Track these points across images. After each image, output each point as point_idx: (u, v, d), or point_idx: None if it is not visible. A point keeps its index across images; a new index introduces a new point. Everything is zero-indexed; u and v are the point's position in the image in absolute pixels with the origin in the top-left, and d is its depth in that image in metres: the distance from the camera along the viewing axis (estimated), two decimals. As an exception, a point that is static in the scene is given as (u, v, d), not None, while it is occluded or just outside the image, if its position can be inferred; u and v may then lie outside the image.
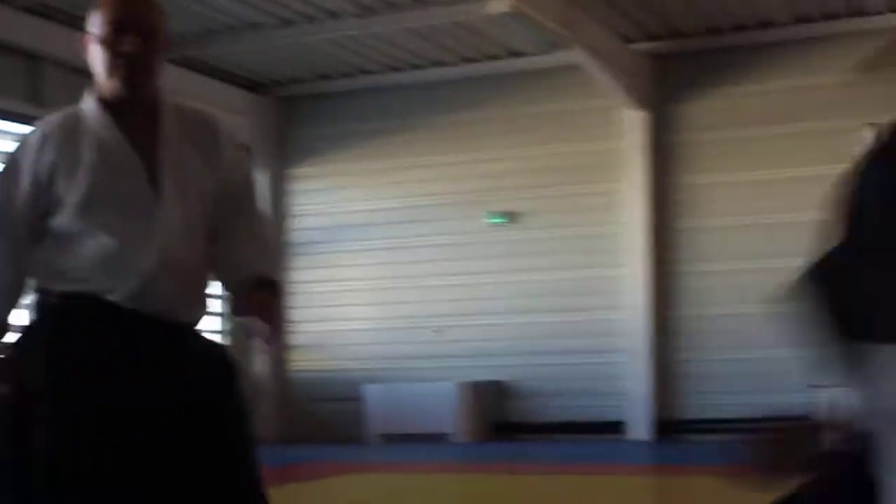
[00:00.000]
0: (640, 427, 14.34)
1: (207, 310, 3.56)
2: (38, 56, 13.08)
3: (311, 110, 16.27)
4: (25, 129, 12.34)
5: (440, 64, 15.41)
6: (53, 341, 3.30)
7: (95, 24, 3.44)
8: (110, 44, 3.39)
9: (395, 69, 15.60)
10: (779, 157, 14.21)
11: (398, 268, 15.59)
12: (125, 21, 3.39)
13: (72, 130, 3.42)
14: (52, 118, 3.52)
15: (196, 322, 3.53)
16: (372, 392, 14.98)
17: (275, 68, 15.55)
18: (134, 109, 3.46)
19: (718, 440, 13.95)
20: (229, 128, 3.67)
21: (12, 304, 3.42)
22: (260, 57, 14.95)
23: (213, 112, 3.73)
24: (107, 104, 3.44)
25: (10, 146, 11.68)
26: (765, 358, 14.04)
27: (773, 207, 14.18)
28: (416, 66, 15.52)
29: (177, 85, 14.62)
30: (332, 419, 15.53)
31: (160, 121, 3.47)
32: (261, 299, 3.44)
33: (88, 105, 3.47)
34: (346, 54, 14.97)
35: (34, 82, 13.14)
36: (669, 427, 14.42)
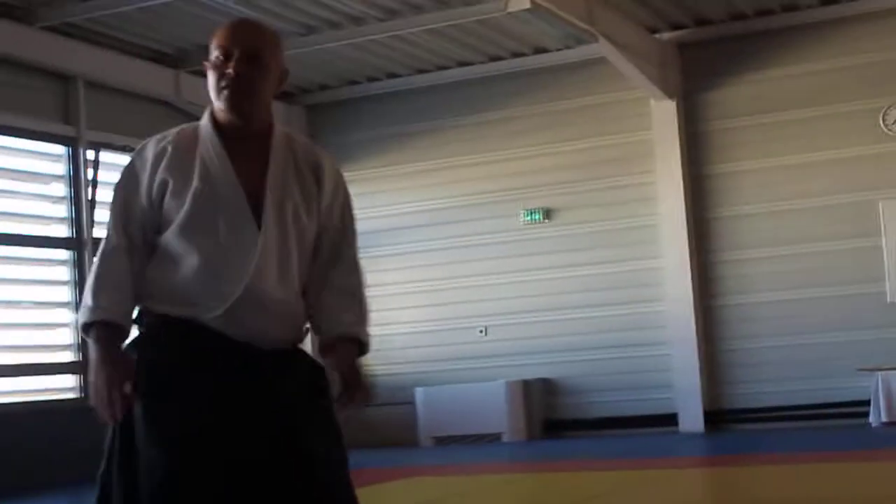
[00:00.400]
0: (691, 419, 14.26)
1: (301, 343, 3.57)
2: (68, 76, 13.16)
3: (339, 116, 16.29)
4: (57, 148, 12.42)
5: (466, 63, 15.40)
6: (149, 365, 3.36)
7: (210, 49, 3.55)
8: (217, 66, 3.50)
9: (422, 71, 15.60)
10: (812, 141, 14.13)
11: (437, 269, 15.59)
12: (232, 45, 3.50)
13: (185, 150, 3.50)
14: (170, 134, 3.58)
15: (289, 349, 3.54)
16: (422, 395, 15.00)
17: (301, 76, 15.56)
18: (245, 135, 3.51)
19: (769, 429, 13.90)
20: (335, 167, 3.66)
21: (131, 314, 3.46)
22: (287, 66, 14.94)
23: (321, 148, 3.68)
24: (220, 128, 3.51)
25: (42, 165, 11.65)
26: (811, 343, 14.01)
27: (808, 191, 14.10)
28: (442, 67, 15.51)
29: (207, 99, 14.74)
30: (383, 423, 15.53)
31: (270, 149, 3.51)
32: (342, 359, 3.50)
33: (205, 125, 3.54)
34: (372, 58, 14.98)
35: (65, 102, 13.22)
36: (719, 417, 14.34)
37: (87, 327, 3.39)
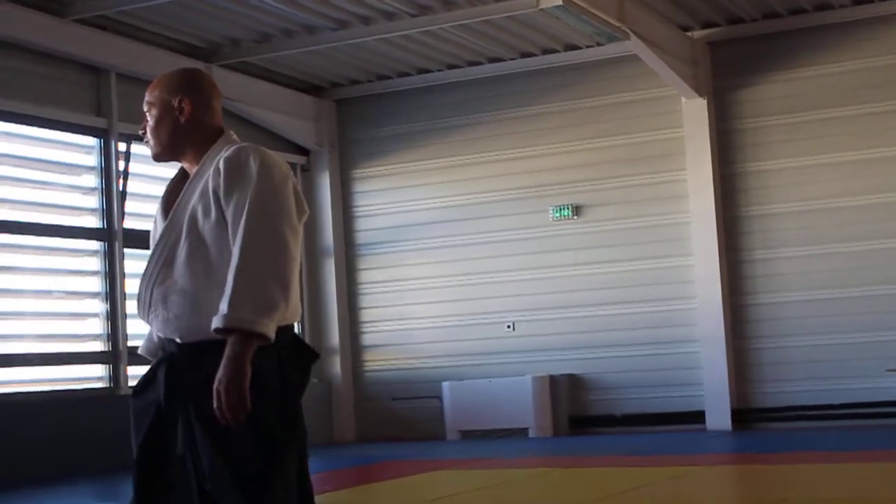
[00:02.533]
0: (718, 417, 14.23)
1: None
2: (100, 68, 13.24)
3: (370, 111, 16.33)
4: (89, 139, 12.53)
5: (497, 59, 15.40)
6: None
7: None
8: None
9: (452, 66, 15.61)
10: (843, 140, 14.08)
11: (465, 265, 15.61)
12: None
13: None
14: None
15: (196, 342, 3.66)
16: (449, 389, 15.03)
17: (333, 71, 15.62)
18: (187, 170, 3.99)
19: (797, 428, 13.86)
20: (231, 160, 3.78)
21: None
22: (317, 60, 15.02)
23: (237, 148, 3.85)
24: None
25: (74, 156, 11.73)
26: (840, 343, 13.96)
27: (839, 190, 14.06)
28: (473, 63, 15.52)
29: (238, 92, 14.81)
30: (409, 417, 15.61)
31: (192, 175, 3.91)
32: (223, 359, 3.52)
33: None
34: (403, 54, 15.00)
35: (97, 94, 13.30)
36: (747, 416, 14.31)
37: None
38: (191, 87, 3.96)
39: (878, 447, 11.34)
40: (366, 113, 16.33)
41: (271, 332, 3.48)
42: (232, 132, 4.06)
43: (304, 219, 3.77)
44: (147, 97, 3.95)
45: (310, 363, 3.76)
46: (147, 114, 3.94)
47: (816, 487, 8.56)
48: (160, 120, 3.91)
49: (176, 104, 3.90)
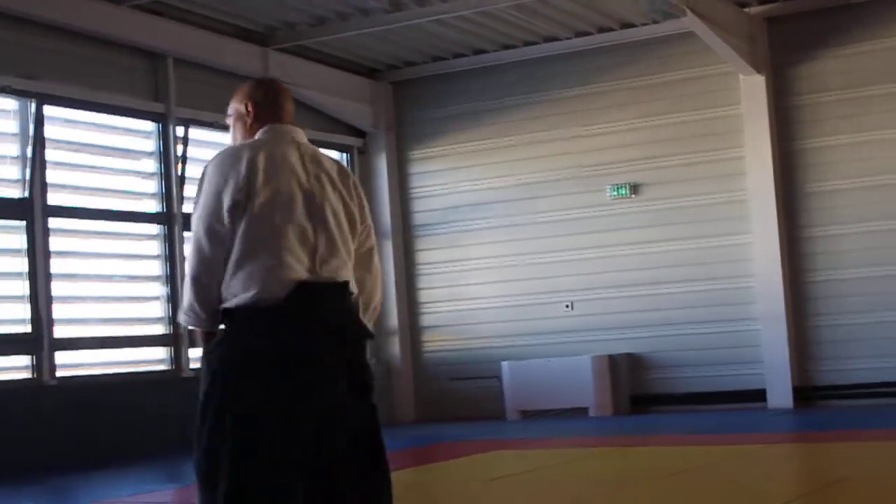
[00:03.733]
0: (780, 395, 14.15)
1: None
2: (158, 54, 13.34)
3: (426, 92, 16.34)
4: (147, 124, 12.68)
5: (553, 39, 15.34)
6: None
7: None
8: None
9: (508, 47, 15.58)
10: (902, 114, 13.93)
11: (523, 244, 15.60)
12: None
13: None
14: None
15: None
16: (508, 369, 15.05)
17: (388, 53, 15.63)
18: None
19: (860, 406, 13.76)
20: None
21: None
22: (372, 42, 15.04)
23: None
24: None
25: (133, 142, 11.85)
26: (903, 319, 13.82)
27: (900, 166, 13.92)
28: (529, 43, 15.47)
29: (294, 76, 14.86)
30: (469, 397, 15.65)
31: None
32: None
33: None
34: (459, 34, 14.98)
35: (155, 79, 13.41)
36: (809, 394, 14.22)
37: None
38: (252, 91, 4.47)
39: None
40: (422, 94, 16.35)
41: (192, 325, 4.09)
42: (263, 130, 4.34)
43: (266, 190, 4.01)
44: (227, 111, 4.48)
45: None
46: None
47: (878, 465, 8.50)
48: (233, 128, 4.45)
49: (236, 108, 4.45)
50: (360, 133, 16.35)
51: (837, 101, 14.24)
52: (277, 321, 3.90)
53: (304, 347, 3.93)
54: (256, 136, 4.26)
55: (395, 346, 16.07)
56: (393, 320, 16.09)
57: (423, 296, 16.27)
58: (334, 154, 16.10)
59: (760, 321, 14.36)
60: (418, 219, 16.33)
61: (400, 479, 8.50)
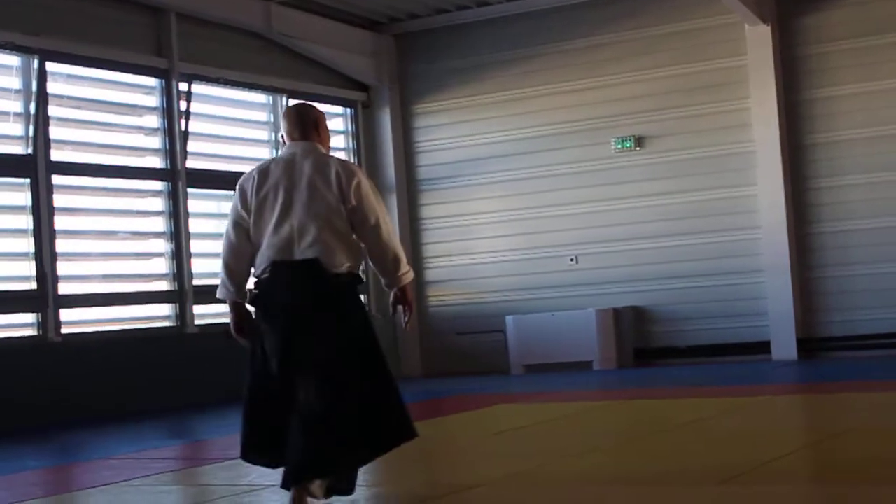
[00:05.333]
0: (784, 347, 14.16)
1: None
2: (160, 9, 13.27)
3: (429, 45, 16.26)
4: (150, 80, 12.60)
5: (557, -10, 15.27)
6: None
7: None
8: None
9: (512, -1, 15.51)
10: (911, 63, 13.86)
11: (527, 198, 15.57)
12: None
13: None
14: None
15: None
16: (513, 323, 15.06)
17: (391, 5, 15.54)
18: None
19: (864, 357, 13.76)
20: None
21: None
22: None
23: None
24: None
25: (136, 98, 11.83)
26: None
27: (907, 115, 13.86)
28: (533, -6, 15.40)
29: (297, 30, 14.79)
30: (474, 352, 15.67)
31: None
32: None
33: None
34: (462, -14, 14.89)
35: (157, 34, 13.34)
36: (813, 345, 14.22)
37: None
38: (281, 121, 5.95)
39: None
40: (425, 47, 16.27)
41: (224, 297, 5.78)
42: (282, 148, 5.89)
43: (254, 199, 5.66)
44: None
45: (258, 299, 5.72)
46: None
47: (883, 416, 8.51)
48: None
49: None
50: (363, 87, 16.28)
51: (843, 51, 14.16)
52: (261, 286, 5.66)
53: (266, 302, 5.63)
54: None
55: (400, 301, 16.04)
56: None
57: (428, 251, 16.26)
58: (338, 108, 16.08)
59: (765, 273, 14.35)
60: (423, 173, 16.30)
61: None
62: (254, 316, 5.69)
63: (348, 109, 16.23)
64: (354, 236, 5.60)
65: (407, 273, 5.65)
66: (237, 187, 5.70)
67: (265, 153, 14.86)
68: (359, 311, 5.69)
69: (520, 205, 15.54)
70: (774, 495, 5.55)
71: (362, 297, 6.02)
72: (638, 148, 15.10)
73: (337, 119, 16.27)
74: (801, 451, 7.10)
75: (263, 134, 15.03)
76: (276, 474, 7.47)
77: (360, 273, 5.68)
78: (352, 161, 16.13)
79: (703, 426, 8.48)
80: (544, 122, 15.54)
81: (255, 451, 5.69)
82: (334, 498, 5.72)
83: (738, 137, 14.59)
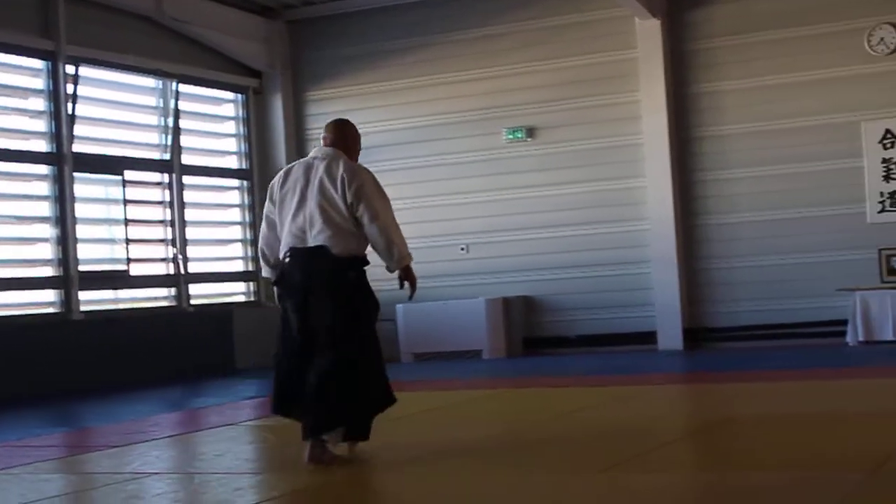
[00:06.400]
0: (670, 337, 14.36)
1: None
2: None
3: (322, 32, 16.19)
4: (36, 62, 12.34)
5: (452, -20, 15.29)
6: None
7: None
8: None
9: (407, -14, 15.50)
10: (796, 61, 14.11)
11: (419, 187, 15.58)
12: None
13: None
14: None
15: None
16: (403, 311, 15.05)
17: (284, -9, 15.46)
18: None
19: (748, 348, 14.02)
20: None
21: None
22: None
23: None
24: None
25: (21, 80, 11.61)
26: (791, 263, 14.10)
27: (790, 111, 14.11)
28: (428, -17, 15.41)
29: (189, 14, 14.63)
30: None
31: None
32: None
33: None
34: (356, -26, 14.85)
35: (45, 16, 13.09)
36: (698, 336, 14.45)
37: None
38: None
39: (825, 365, 11.50)
40: (319, 34, 16.19)
41: (266, 275, 7.03)
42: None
43: (278, 194, 6.78)
44: None
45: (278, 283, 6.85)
46: None
47: (764, 405, 8.68)
48: None
49: None
50: (255, 73, 16.16)
51: (730, 47, 14.39)
52: (282, 267, 6.72)
53: (286, 281, 6.69)
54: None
55: (290, 289, 15.98)
56: (288, 262, 15.98)
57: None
58: (229, 94, 15.96)
59: (652, 264, 14.54)
60: (314, 160, 16.21)
61: (291, 421, 8.47)
62: (277, 294, 6.81)
63: (240, 95, 16.10)
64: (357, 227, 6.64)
65: (402, 258, 6.69)
66: (269, 186, 6.87)
67: (154, 138, 14.69)
68: (360, 287, 6.68)
69: (411, 193, 15.54)
70: (655, 483, 5.63)
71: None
72: (529, 139, 15.20)
73: (228, 105, 16.15)
74: (683, 440, 7.22)
75: (153, 119, 14.84)
76: (160, 461, 7.45)
77: (366, 255, 6.72)
78: (252, 148, 16.05)
79: (588, 415, 8.57)
80: (436, 111, 15.56)
81: (281, 407, 6.76)
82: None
83: (627, 130, 14.75)
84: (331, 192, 6.56)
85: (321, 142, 6.91)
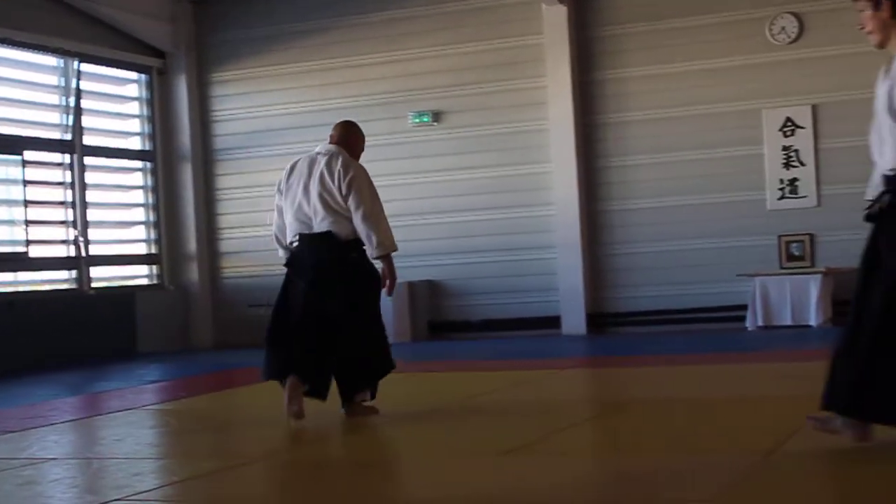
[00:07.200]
0: (574, 322, 14.47)
1: None
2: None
3: (228, 13, 16.04)
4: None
5: (358, -37, 15.22)
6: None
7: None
8: None
9: (313, -31, 15.40)
10: (699, 48, 14.27)
11: (324, 171, 15.50)
12: None
13: None
14: None
15: None
16: (306, 297, 14.98)
17: (189, -28, 15.29)
18: None
19: (650, 332, 14.18)
20: None
21: None
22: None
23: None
24: None
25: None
26: (692, 249, 14.28)
27: (691, 99, 14.28)
28: (334, -34, 15.32)
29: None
30: (262, 325, 15.51)
31: None
32: None
33: None
34: (262, -45, 14.73)
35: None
36: (602, 320, 14.58)
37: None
38: None
39: (724, 350, 11.65)
40: (224, 15, 16.05)
41: (280, 255, 7.86)
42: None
43: (285, 185, 7.65)
44: None
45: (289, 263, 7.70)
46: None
47: (663, 389, 8.78)
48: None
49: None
50: (159, 53, 15.98)
51: (635, 34, 14.52)
52: (292, 251, 7.57)
53: (297, 263, 7.53)
54: None
55: (192, 272, 15.88)
56: (191, 245, 15.88)
57: (223, 221, 16.09)
58: (132, 74, 15.76)
59: (557, 249, 14.64)
60: (218, 143, 16.11)
61: (195, 405, 8.44)
62: (287, 274, 7.63)
63: (143, 76, 15.91)
64: None
65: (382, 246, 7.51)
66: (278, 180, 7.68)
67: (55, 118, 14.47)
68: (362, 267, 7.58)
69: (316, 177, 15.46)
70: (555, 465, 5.67)
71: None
72: (435, 123, 15.21)
73: (131, 85, 15.95)
74: (583, 424, 7.28)
75: (54, 98, 14.62)
76: (58, 446, 7.34)
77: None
78: (156, 130, 15.87)
79: (491, 399, 8.61)
80: (342, 94, 15.51)
81: (278, 372, 7.49)
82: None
83: (533, 115, 14.82)
84: (329, 184, 7.41)
85: (328, 139, 7.69)
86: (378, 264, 7.63)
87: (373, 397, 7.74)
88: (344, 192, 7.40)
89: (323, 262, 7.44)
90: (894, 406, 5.20)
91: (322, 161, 7.53)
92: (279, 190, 7.66)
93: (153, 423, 8.52)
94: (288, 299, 7.60)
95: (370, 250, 7.52)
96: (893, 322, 5.16)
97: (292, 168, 7.63)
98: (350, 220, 7.43)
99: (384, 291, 7.66)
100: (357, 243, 7.51)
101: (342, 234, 7.44)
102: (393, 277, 7.66)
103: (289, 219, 7.56)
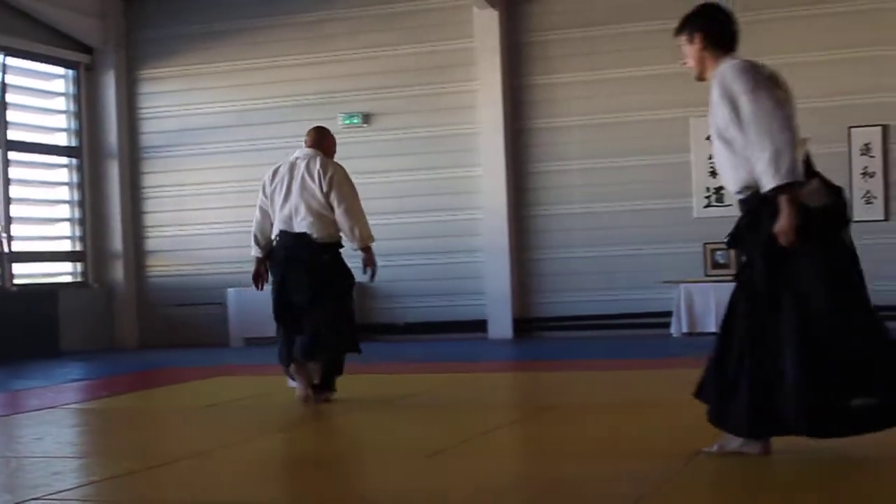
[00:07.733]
0: (500, 326, 14.52)
1: None
2: None
3: (158, 10, 15.94)
4: None
5: (290, -38, 15.17)
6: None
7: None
8: None
9: (244, -32, 15.34)
10: (629, 56, 14.38)
11: (252, 171, 15.29)
12: None
13: None
14: None
15: None
16: (234, 296, 14.92)
17: (119, -32, 15.16)
18: None
19: (575, 337, 14.26)
20: None
21: None
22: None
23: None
24: None
25: None
26: (619, 255, 14.38)
27: (619, 106, 14.40)
28: (266, -35, 15.26)
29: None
30: (193, 324, 15.48)
31: None
32: None
33: None
34: (194, -48, 14.64)
35: None
36: (528, 325, 14.64)
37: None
38: None
39: (648, 355, 11.74)
40: (154, 12, 15.94)
41: (256, 255, 8.41)
42: None
43: (269, 188, 8.31)
44: None
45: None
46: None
47: (587, 393, 8.83)
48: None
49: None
50: (87, 49, 15.82)
51: (566, 40, 14.60)
52: (275, 246, 8.19)
53: (274, 256, 8.19)
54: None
55: (118, 271, 15.74)
56: (117, 244, 15.74)
57: (149, 219, 15.96)
58: (59, 70, 15.60)
59: (484, 253, 14.68)
60: (146, 140, 15.99)
61: (117, 404, 8.36)
62: (268, 266, 8.27)
63: (70, 71, 15.75)
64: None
65: (363, 239, 8.22)
66: (262, 182, 8.29)
67: (-21, 112, 14.28)
68: (335, 264, 8.16)
69: (244, 177, 15.35)
70: (477, 469, 5.68)
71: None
72: (365, 125, 15.19)
73: (58, 80, 15.78)
74: (507, 427, 7.30)
75: (-22, 92, 14.43)
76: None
77: (341, 239, 8.25)
78: (83, 126, 15.70)
79: (416, 401, 8.62)
80: (271, 94, 15.45)
81: (287, 358, 8.27)
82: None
83: (463, 119, 14.85)
84: (310, 185, 8.02)
85: (303, 144, 8.31)
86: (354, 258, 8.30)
87: (339, 372, 8.40)
88: (325, 189, 8.01)
89: (294, 261, 8.06)
90: (743, 417, 5.30)
91: (302, 165, 8.12)
92: (263, 192, 8.26)
93: (75, 422, 8.42)
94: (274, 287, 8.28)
95: (353, 243, 8.22)
96: (751, 329, 5.23)
97: (275, 173, 8.23)
98: (328, 221, 8.05)
99: (367, 279, 8.47)
100: (331, 246, 8.15)
101: (318, 235, 8.04)
102: (374, 265, 8.36)
103: (275, 219, 8.16)
